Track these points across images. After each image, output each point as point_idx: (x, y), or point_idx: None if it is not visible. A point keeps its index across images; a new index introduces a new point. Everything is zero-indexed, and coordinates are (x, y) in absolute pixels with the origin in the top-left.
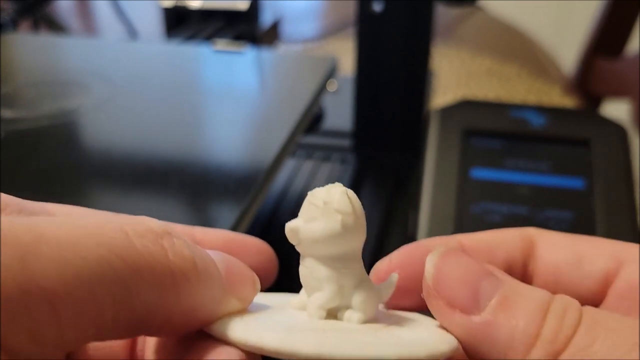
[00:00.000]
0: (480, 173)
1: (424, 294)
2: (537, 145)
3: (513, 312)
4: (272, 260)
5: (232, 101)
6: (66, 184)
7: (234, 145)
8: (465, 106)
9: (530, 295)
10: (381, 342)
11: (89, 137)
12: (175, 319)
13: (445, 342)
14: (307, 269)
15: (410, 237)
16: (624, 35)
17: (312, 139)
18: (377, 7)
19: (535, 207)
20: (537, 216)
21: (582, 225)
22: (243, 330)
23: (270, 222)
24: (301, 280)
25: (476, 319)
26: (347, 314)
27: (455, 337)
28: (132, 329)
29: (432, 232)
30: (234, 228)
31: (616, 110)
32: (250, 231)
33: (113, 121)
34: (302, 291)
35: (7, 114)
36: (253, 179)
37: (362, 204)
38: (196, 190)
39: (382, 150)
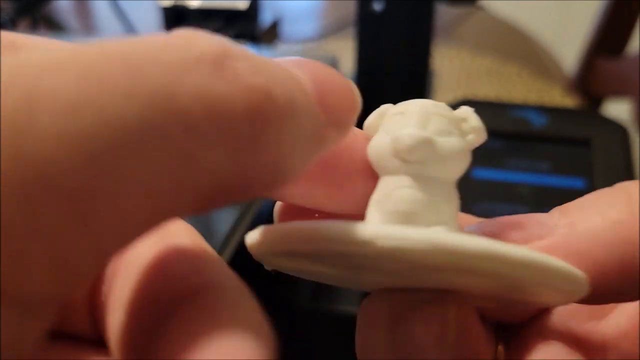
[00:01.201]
0: (481, 173)
1: None
2: (538, 145)
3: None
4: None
5: None
6: None
7: None
8: (466, 106)
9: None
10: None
11: None
12: (259, 179)
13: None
14: (421, 193)
15: None
16: (625, 35)
17: None
18: (378, 7)
19: (536, 207)
20: None
21: None
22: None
23: (270, 222)
24: (400, 204)
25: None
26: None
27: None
28: (202, 203)
29: None
30: (234, 228)
31: (617, 110)
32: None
33: None
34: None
35: None
36: None
37: None
38: None
39: None
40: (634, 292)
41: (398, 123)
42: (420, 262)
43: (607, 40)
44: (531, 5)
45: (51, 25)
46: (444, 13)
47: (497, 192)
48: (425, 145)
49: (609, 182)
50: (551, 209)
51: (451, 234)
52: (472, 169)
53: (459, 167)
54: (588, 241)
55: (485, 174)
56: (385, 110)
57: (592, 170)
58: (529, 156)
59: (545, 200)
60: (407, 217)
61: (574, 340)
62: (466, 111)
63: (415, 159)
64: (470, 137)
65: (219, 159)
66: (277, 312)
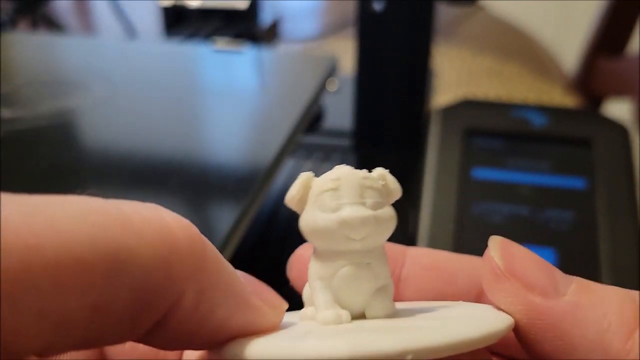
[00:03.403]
0: (481, 173)
1: (488, 278)
2: (538, 145)
3: (598, 297)
4: None
5: (231, 100)
6: (65, 184)
7: (234, 145)
8: (466, 106)
9: (607, 286)
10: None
11: (87, 136)
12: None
13: (500, 318)
14: (364, 266)
15: (411, 238)
16: (626, 34)
17: (312, 139)
18: (378, 6)
19: (537, 207)
20: (538, 216)
21: (583, 225)
22: (269, 346)
23: (270, 222)
24: (344, 285)
25: (561, 301)
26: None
27: (522, 320)
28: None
29: (433, 232)
30: (234, 228)
31: (618, 109)
32: (251, 231)
33: (112, 121)
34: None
35: (6, 113)
36: (253, 178)
37: None
38: (196, 190)
39: (382, 150)
40: None
41: (333, 199)
42: None
43: (607, 39)
44: (532, 5)
45: (50, 24)
46: (444, 13)
47: (497, 192)
48: (372, 223)
49: (609, 182)
50: (552, 208)
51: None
52: (472, 169)
53: (391, 230)
54: (574, 331)
55: (485, 173)
56: (308, 181)
57: (593, 170)
58: (529, 156)
59: (546, 200)
60: (354, 293)
61: None
62: (382, 174)
63: (362, 237)
64: (390, 198)
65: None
66: None
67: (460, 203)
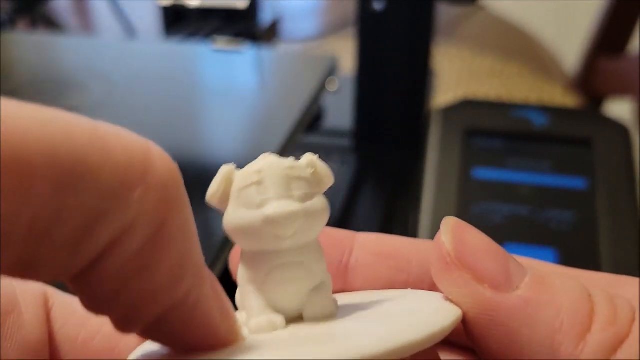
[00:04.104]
0: (482, 173)
1: (437, 266)
2: (539, 145)
3: (553, 291)
4: None
5: (231, 100)
6: None
7: (234, 145)
8: (467, 106)
9: (564, 278)
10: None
11: None
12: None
13: (448, 312)
14: (298, 265)
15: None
16: (627, 34)
17: (312, 139)
18: (378, 6)
19: (537, 207)
20: (539, 216)
21: (584, 225)
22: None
23: None
24: (276, 287)
25: (513, 295)
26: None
27: (469, 313)
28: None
29: (433, 232)
30: None
31: (618, 109)
32: None
33: (112, 120)
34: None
35: None
36: None
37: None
38: (196, 190)
39: (382, 150)
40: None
41: (257, 194)
42: None
43: (608, 39)
44: (532, 4)
45: (50, 24)
46: (444, 12)
47: (497, 192)
48: (301, 217)
49: (610, 182)
50: (552, 208)
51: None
52: (472, 169)
53: (324, 223)
54: (523, 330)
55: (485, 173)
56: (229, 175)
57: (594, 170)
58: (529, 156)
59: (546, 200)
60: (289, 295)
61: None
62: (312, 160)
63: (291, 234)
64: (322, 186)
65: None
66: None
67: (460, 203)
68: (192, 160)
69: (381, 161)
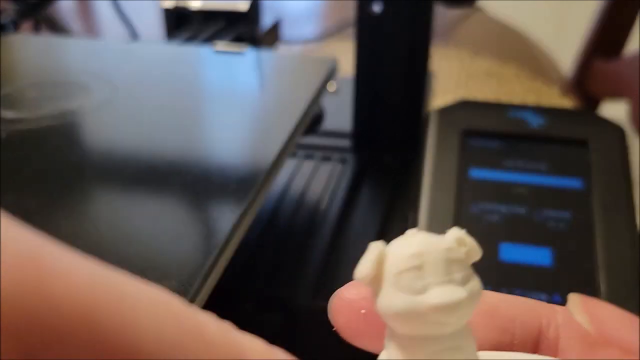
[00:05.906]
0: (479, 173)
1: (580, 347)
2: (536, 146)
3: None
4: None
5: (232, 102)
6: (67, 185)
7: (234, 146)
8: (464, 107)
9: None
10: None
11: (89, 138)
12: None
13: None
14: (456, 351)
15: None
16: (623, 36)
17: (311, 140)
18: (377, 8)
19: (534, 207)
20: (536, 216)
21: (580, 224)
22: None
23: (270, 223)
24: None
25: None
26: None
27: None
28: None
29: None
30: (234, 228)
31: (614, 110)
32: (250, 231)
33: (114, 122)
34: None
35: (8, 114)
36: (253, 179)
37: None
38: (196, 191)
39: (381, 151)
40: None
41: (417, 279)
42: None
43: (604, 41)
44: (529, 6)
45: (53, 27)
46: (442, 15)
47: (494, 192)
48: (467, 304)
49: (606, 182)
50: (549, 209)
51: None
52: (470, 169)
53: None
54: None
55: (482, 174)
56: (381, 256)
57: (590, 171)
58: (526, 156)
59: (543, 200)
60: None
61: None
62: (461, 238)
63: (455, 320)
64: (470, 262)
65: None
66: (277, 312)
67: (458, 203)
68: (193, 161)
69: (380, 161)
